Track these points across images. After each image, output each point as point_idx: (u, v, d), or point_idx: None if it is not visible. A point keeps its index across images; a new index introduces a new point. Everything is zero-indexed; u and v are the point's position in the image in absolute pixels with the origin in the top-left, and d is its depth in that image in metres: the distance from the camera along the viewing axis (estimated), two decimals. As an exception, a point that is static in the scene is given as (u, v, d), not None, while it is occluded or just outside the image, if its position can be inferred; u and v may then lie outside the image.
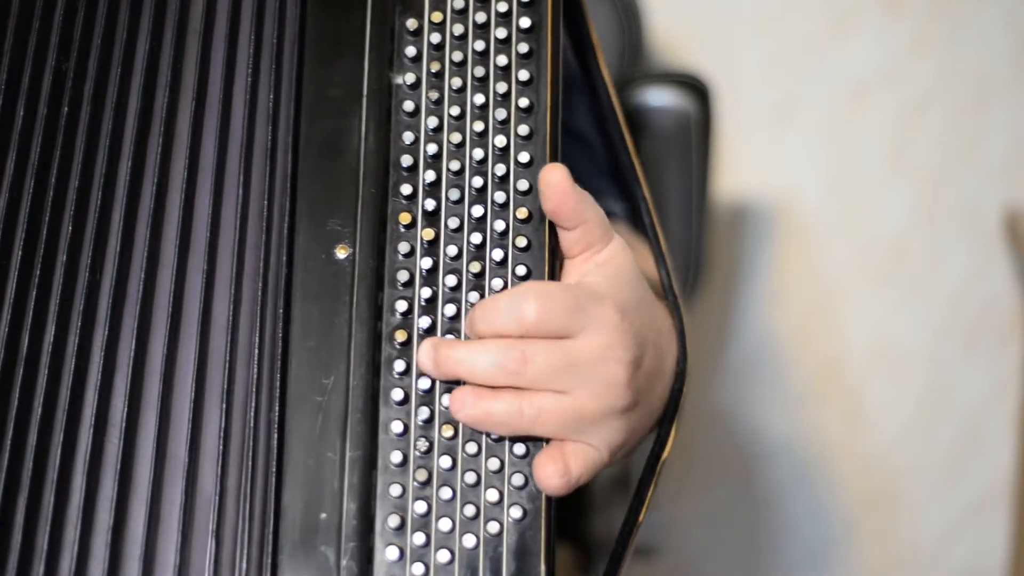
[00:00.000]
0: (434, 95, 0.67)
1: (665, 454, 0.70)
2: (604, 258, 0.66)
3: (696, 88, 1.17)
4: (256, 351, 0.65)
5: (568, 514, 1.17)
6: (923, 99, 1.54)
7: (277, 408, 0.63)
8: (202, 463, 0.64)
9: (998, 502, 1.62)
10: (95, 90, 0.69)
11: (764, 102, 1.54)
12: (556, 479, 0.62)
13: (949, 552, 1.64)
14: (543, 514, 0.63)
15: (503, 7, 0.68)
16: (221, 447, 0.64)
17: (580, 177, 0.74)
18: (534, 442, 0.64)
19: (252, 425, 0.64)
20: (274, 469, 0.63)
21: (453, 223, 0.66)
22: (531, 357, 0.63)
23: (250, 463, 0.64)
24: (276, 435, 0.63)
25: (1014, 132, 1.55)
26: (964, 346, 1.60)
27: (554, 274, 0.66)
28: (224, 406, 0.64)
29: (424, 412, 0.64)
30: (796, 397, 1.61)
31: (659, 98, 1.16)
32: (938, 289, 1.58)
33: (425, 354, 0.63)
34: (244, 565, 0.62)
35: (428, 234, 0.65)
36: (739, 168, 1.54)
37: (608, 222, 0.66)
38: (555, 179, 0.64)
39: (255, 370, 0.65)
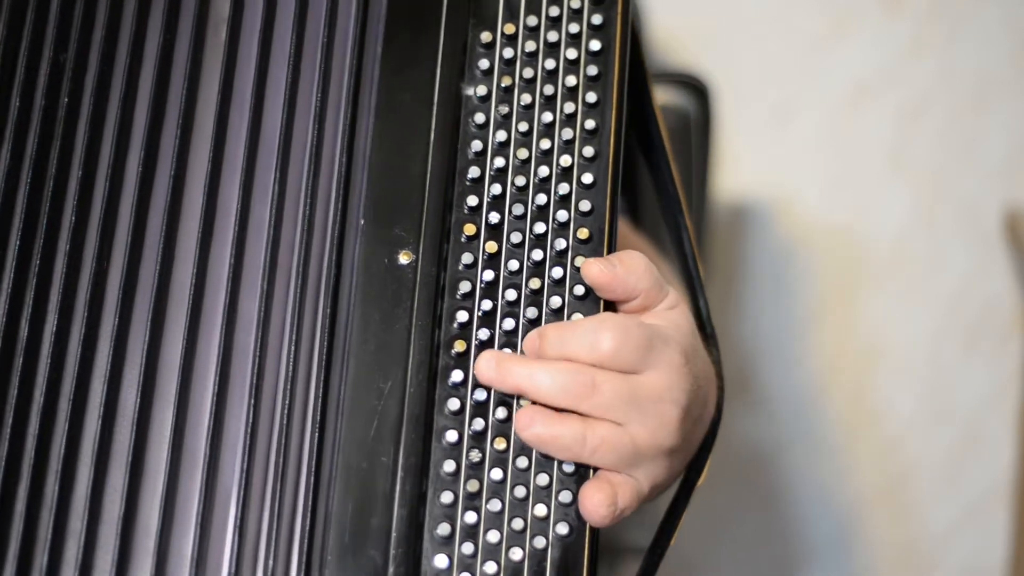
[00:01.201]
0: (504, 109, 0.68)
1: (700, 481, 0.71)
2: (664, 307, 0.67)
3: (696, 88, 1.17)
4: (292, 349, 0.65)
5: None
6: (923, 99, 1.54)
7: (318, 408, 0.64)
8: (223, 457, 0.64)
9: (998, 502, 1.62)
10: (98, 81, 0.69)
11: (764, 102, 1.54)
12: (604, 509, 0.63)
13: (949, 552, 1.64)
14: (588, 531, 0.64)
15: (575, 28, 0.69)
16: (247, 442, 0.64)
17: None
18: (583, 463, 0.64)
19: (285, 423, 0.64)
20: (312, 469, 0.63)
21: (516, 238, 0.66)
22: (599, 385, 0.63)
23: (281, 461, 0.64)
24: (317, 435, 0.63)
25: (1014, 132, 1.55)
26: (964, 346, 1.60)
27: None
28: (252, 402, 0.64)
29: (478, 423, 0.64)
30: (796, 397, 1.61)
31: (659, 98, 1.16)
32: (938, 289, 1.58)
33: (486, 364, 0.64)
34: (271, 562, 0.63)
35: (491, 247, 0.66)
36: (739, 168, 1.54)
37: (660, 277, 0.67)
38: (595, 274, 0.65)
39: (289, 368, 0.65)
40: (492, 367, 0.64)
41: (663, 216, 0.81)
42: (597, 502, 0.63)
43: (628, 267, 0.66)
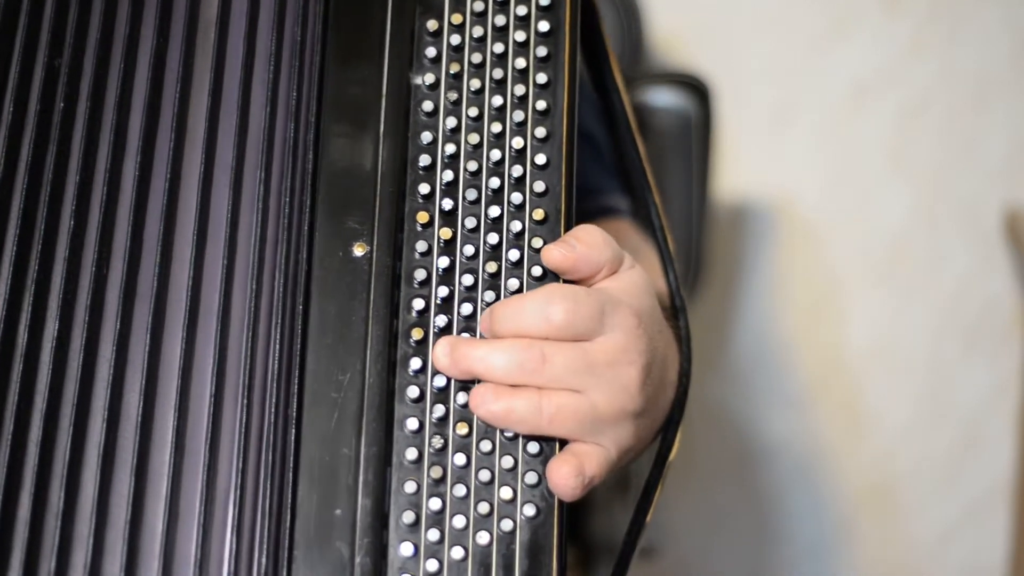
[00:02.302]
0: (453, 96, 0.68)
1: (671, 456, 0.70)
2: (623, 271, 0.68)
3: (696, 88, 1.17)
4: (276, 347, 0.65)
5: (569, 514, 1.17)
6: (923, 99, 1.54)
7: (295, 404, 0.64)
8: (221, 458, 0.64)
9: (998, 502, 1.62)
10: (94, 86, 0.69)
11: (764, 102, 1.54)
12: (572, 480, 0.63)
13: (949, 552, 1.64)
14: (555, 512, 0.64)
15: (522, 11, 0.69)
16: (241, 442, 0.64)
17: (587, 175, 0.75)
18: (547, 442, 0.64)
19: (272, 421, 0.64)
20: (291, 465, 0.63)
21: (470, 223, 0.66)
22: (550, 357, 0.63)
23: (269, 459, 0.64)
24: (293, 431, 0.63)
25: (1014, 132, 1.55)
26: (964, 346, 1.60)
27: None
28: (244, 402, 0.65)
29: (439, 410, 0.64)
30: (796, 397, 1.61)
31: (659, 98, 1.16)
32: (938, 289, 1.58)
33: (441, 351, 0.64)
34: (263, 560, 0.63)
35: (445, 233, 0.66)
36: (739, 168, 1.54)
37: (619, 247, 0.67)
38: (556, 259, 0.65)
39: (274, 366, 0.65)
40: (446, 354, 0.64)
41: (631, 191, 0.81)
42: (564, 474, 0.63)
43: (588, 244, 0.66)
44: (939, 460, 1.62)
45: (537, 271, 0.66)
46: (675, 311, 0.73)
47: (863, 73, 1.54)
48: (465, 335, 0.65)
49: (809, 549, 1.65)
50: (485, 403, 0.63)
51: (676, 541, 1.60)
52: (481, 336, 0.65)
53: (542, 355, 0.63)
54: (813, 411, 1.61)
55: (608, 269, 0.67)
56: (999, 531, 1.63)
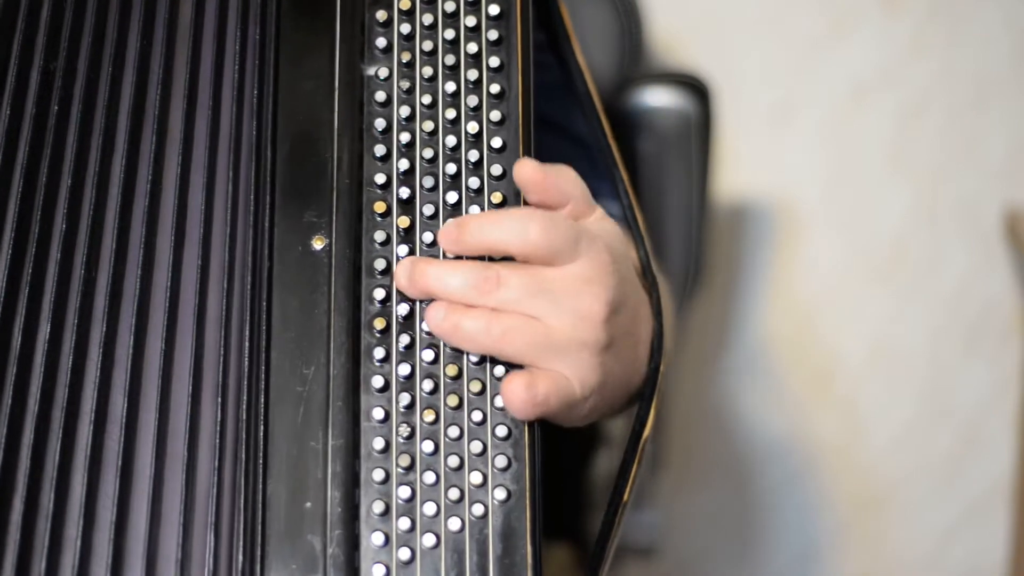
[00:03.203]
0: (405, 84, 0.68)
1: (646, 432, 0.70)
2: (594, 219, 0.68)
3: (696, 88, 1.17)
4: (247, 344, 0.65)
5: (567, 514, 1.17)
6: (923, 99, 1.54)
7: (263, 400, 0.64)
8: (200, 458, 0.65)
9: (998, 503, 1.62)
10: (86, 89, 0.69)
11: (764, 102, 1.54)
12: (522, 391, 0.63)
13: (949, 553, 1.64)
14: (528, 494, 0.64)
15: None
16: (217, 441, 0.64)
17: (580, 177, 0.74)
18: (516, 424, 0.64)
19: (245, 418, 0.64)
20: (261, 461, 0.63)
21: (428, 210, 0.66)
22: (506, 279, 0.64)
23: (243, 456, 0.64)
24: (262, 427, 0.64)
25: (1014, 132, 1.55)
26: (964, 346, 1.60)
27: None
28: (219, 400, 0.65)
29: (405, 398, 0.64)
30: (796, 397, 1.61)
31: (659, 98, 1.16)
32: (938, 289, 1.58)
33: (402, 271, 0.65)
34: (240, 557, 0.63)
35: (403, 222, 0.66)
36: (739, 168, 1.54)
37: (590, 194, 0.68)
38: (528, 172, 0.65)
39: (246, 363, 0.65)
40: (406, 274, 0.65)
41: (599, 168, 0.82)
42: (514, 388, 0.63)
43: (559, 172, 0.66)
44: (939, 460, 1.62)
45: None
46: (646, 287, 0.73)
47: (863, 73, 1.54)
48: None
49: (809, 549, 1.65)
50: (435, 319, 0.64)
51: (675, 542, 1.60)
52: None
53: (497, 277, 0.64)
54: (813, 411, 1.61)
55: (575, 206, 0.67)
56: (999, 531, 1.63)
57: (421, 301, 0.65)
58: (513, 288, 0.64)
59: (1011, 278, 1.58)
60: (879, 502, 1.63)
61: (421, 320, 0.65)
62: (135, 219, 0.68)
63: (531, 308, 0.64)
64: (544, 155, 0.68)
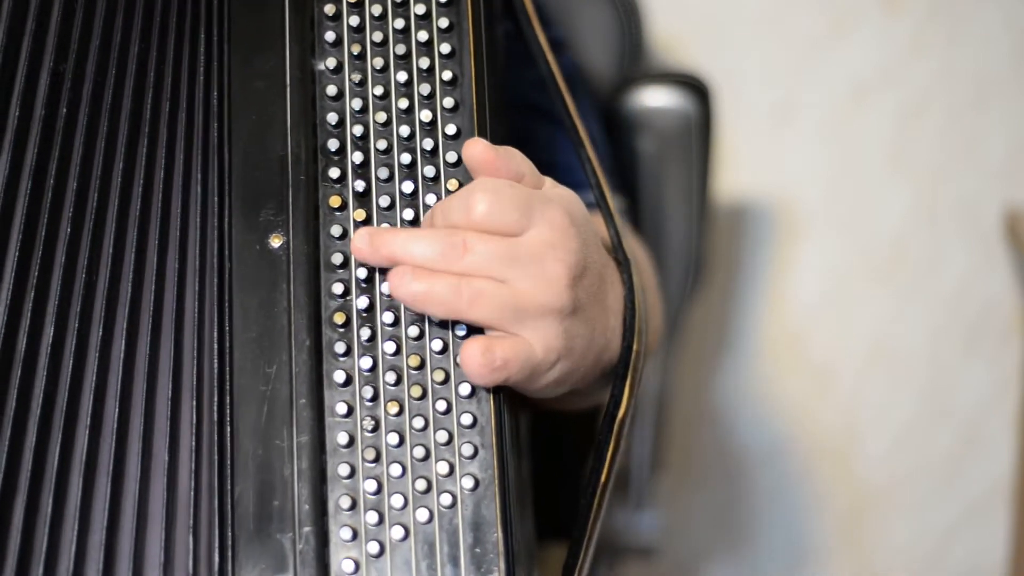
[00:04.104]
0: (357, 77, 0.68)
1: (621, 413, 0.69)
2: (547, 187, 0.68)
3: (696, 88, 1.17)
4: (216, 346, 0.65)
5: (564, 514, 1.17)
6: (923, 99, 1.54)
7: (228, 401, 0.64)
8: (180, 460, 0.65)
9: (998, 502, 1.62)
10: (93, 92, 0.69)
11: (764, 102, 1.54)
12: (478, 355, 0.63)
13: (949, 552, 1.64)
14: (496, 482, 0.63)
15: None
16: (194, 443, 0.64)
17: (576, 172, 0.74)
18: (480, 410, 0.64)
19: (215, 420, 0.64)
20: (229, 462, 0.63)
21: (384, 201, 0.66)
22: (471, 245, 0.63)
23: (217, 458, 0.64)
24: (228, 428, 0.64)
25: (1014, 132, 1.55)
26: (964, 346, 1.60)
27: None
28: (194, 403, 0.65)
29: (368, 391, 0.64)
30: (795, 397, 1.61)
31: (659, 98, 1.16)
32: (938, 289, 1.58)
33: (360, 240, 0.64)
34: (216, 558, 0.63)
35: (359, 215, 0.66)
36: (739, 168, 1.54)
37: (536, 169, 0.67)
38: (477, 151, 0.65)
39: (215, 364, 0.65)
40: (366, 242, 0.64)
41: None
42: (471, 351, 0.63)
43: (508, 151, 0.66)
44: (939, 460, 1.62)
45: None
46: (618, 265, 0.72)
47: (863, 73, 1.54)
48: (389, 313, 0.65)
49: (809, 549, 1.65)
50: (404, 283, 0.63)
51: (674, 542, 1.60)
52: (407, 313, 0.65)
53: (463, 243, 0.63)
54: (813, 411, 1.61)
55: (528, 182, 0.66)
56: (999, 531, 1.63)
57: (382, 294, 0.65)
58: (479, 253, 0.63)
59: (1011, 278, 1.58)
60: (879, 502, 1.63)
61: (382, 312, 0.65)
62: (130, 223, 0.68)
63: (497, 272, 0.64)
64: (533, 141, 0.68)
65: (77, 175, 0.68)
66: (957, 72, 1.54)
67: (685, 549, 1.63)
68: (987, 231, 1.57)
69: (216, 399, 0.65)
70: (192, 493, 0.64)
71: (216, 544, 0.63)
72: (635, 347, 0.70)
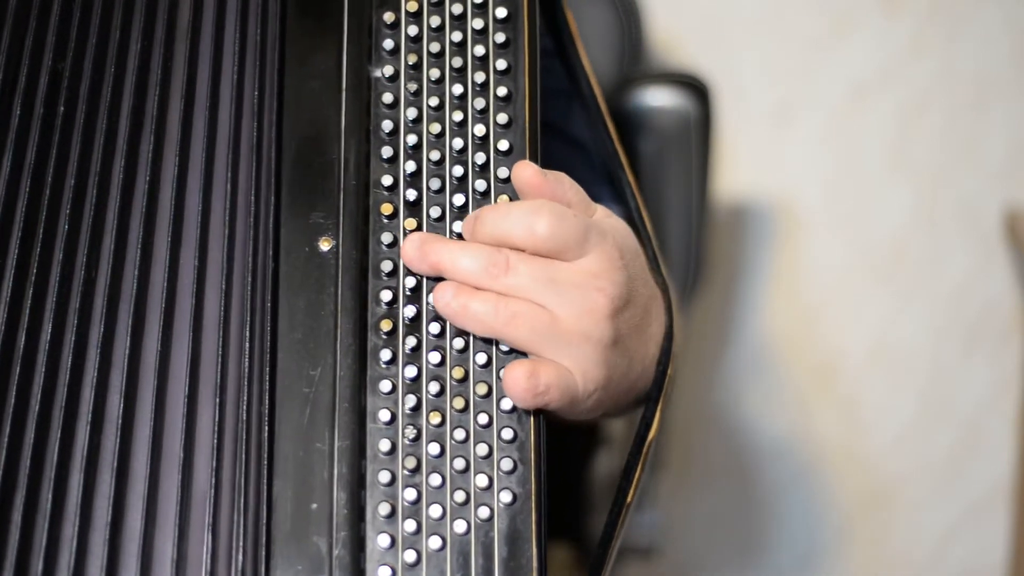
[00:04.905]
0: (412, 86, 0.68)
1: (651, 435, 0.70)
2: (600, 216, 0.68)
3: (696, 88, 1.17)
4: (248, 345, 0.65)
5: (567, 514, 1.17)
6: (923, 99, 1.54)
7: (267, 401, 0.64)
8: (197, 458, 0.65)
9: (998, 502, 1.62)
10: (90, 89, 0.69)
11: (764, 102, 1.54)
12: (524, 379, 0.63)
13: (949, 553, 1.64)
14: (533, 497, 0.63)
15: None
16: (215, 441, 0.64)
17: (576, 181, 0.74)
18: (521, 424, 0.64)
19: (245, 419, 0.64)
20: (265, 462, 0.63)
21: (435, 212, 0.67)
22: (515, 265, 0.64)
23: (244, 457, 0.64)
24: (266, 428, 0.63)
25: (1014, 132, 1.55)
26: (964, 346, 1.60)
27: None
28: (217, 401, 0.65)
29: (411, 400, 0.64)
30: (796, 397, 1.61)
31: (659, 98, 1.16)
32: (938, 289, 1.58)
33: (411, 244, 0.65)
34: (240, 558, 0.63)
35: (410, 224, 0.66)
36: (739, 168, 1.54)
37: (587, 196, 0.68)
38: (527, 175, 0.66)
39: (246, 364, 0.65)
40: (416, 247, 0.65)
41: (606, 172, 0.81)
42: (516, 375, 0.63)
43: (558, 176, 0.66)
44: (939, 460, 1.62)
45: None
46: (661, 287, 0.73)
47: (863, 73, 1.54)
48: (435, 323, 0.65)
49: (809, 549, 1.65)
50: (444, 298, 0.64)
51: (675, 542, 1.60)
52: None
53: (508, 262, 0.64)
54: (813, 411, 1.61)
55: (577, 208, 0.67)
56: (999, 531, 1.63)
57: (429, 305, 0.65)
58: (521, 275, 0.64)
59: (1011, 278, 1.58)
60: (879, 502, 1.63)
61: (428, 322, 0.65)
62: (133, 220, 0.68)
63: (538, 296, 0.64)
64: (543, 157, 0.68)
65: (75, 172, 0.68)
66: (957, 72, 1.54)
67: (685, 549, 1.63)
68: (987, 231, 1.57)
69: (246, 397, 0.64)
70: (212, 491, 0.64)
71: (242, 543, 0.63)
72: (669, 371, 0.71)
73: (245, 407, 0.64)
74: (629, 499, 0.69)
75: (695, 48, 1.49)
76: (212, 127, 0.69)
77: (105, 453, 0.64)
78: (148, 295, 0.67)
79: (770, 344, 1.60)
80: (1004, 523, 1.63)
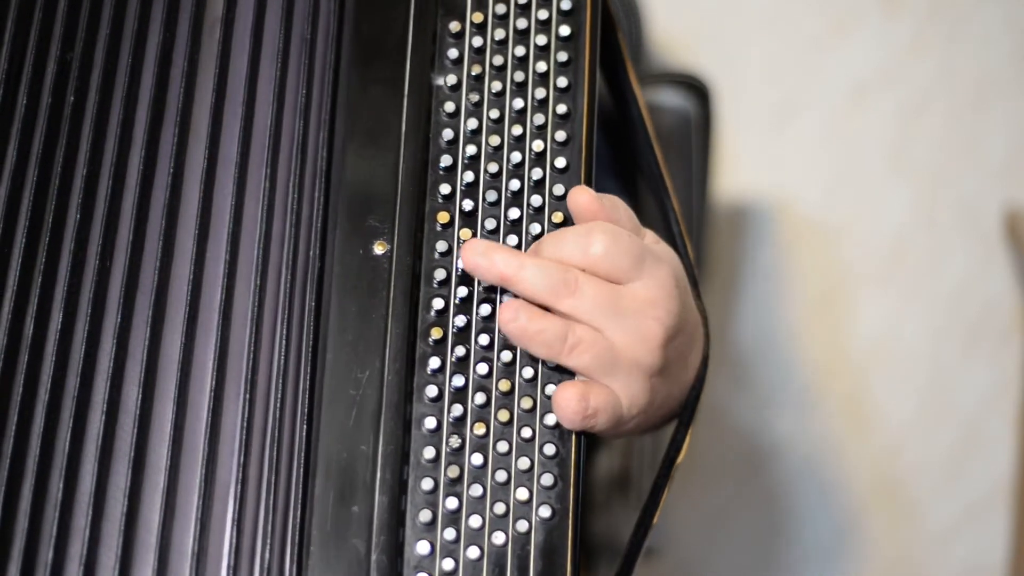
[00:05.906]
0: (474, 97, 0.68)
1: (680, 458, 0.71)
2: (651, 241, 0.68)
3: (696, 88, 1.17)
4: (283, 343, 0.65)
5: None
6: (923, 99, 1.54)
7: (306, 400, 0.64)
8: (221, 453, 0.64)
9: (998, 502, 1.62)
10: (103, 80, 0.69)
11: (764, 102, 1.54)
12: (575, 403, 0.63)
13: (949, 552, 1.64)
14: (571, 514, 0.64)
15: (543, 15, 0.69)
16: (243, 437, 0.64)
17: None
18: (563, 443, 0.64)
19: (277, 416, 0.64)
20: (301, 461, 0.63)
21: (490, 224, 0.67)
22: (581, 286, 0.64)
23: (274, 455, 0.64)
24: (304, 427, 0.64)
25: (1014, 132, 1.55)
26: (964, 346, 1.60)
27: None
28: (247, 396, 0.65)
29: (457, 409, 0.64)
30: (797, 396, 1.61)
31: (659, 98, 1.16)
32: (938, 289, 1.58)
33: (474, 250, 0.64)
34: (267, 555, 0.63)
35: (465, 234, 0.66)
36: (739, 168, 1.54)
37: (639, 222, 0.68)
38: (583, 200, 0.65)
39: (280, 361, 0.65)
40: (480, 252, 0.64)
41: (651, 197, 0.82)
42: (568, 396, 0.63)
43: (613, 202, 0.66)
44: (939, 460, 1.62)
45: None
46: (703, 314, 0.73)
47: (863, 73, 1.54)
48: (484, 335, 0.65)
49: (810, 550, 1.65)
50: (518, 319, 0.63)
51: (678, 542, 1.60)
52: (500, 338, 0.65)
53: (575, 282, 0.63)
54: (815, 411, 1.61)
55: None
56: (999, 531, 1.63)
57: (479, 315, 0.65)
58: (587, 298, 0.64)
59: (1011, 278, 1.58)
60: (879, 502, 1.63)
61: (477, 333, 0.65)
62: (153, 211, 0.68)
63: (597, 321, 0.64)
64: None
65: (87, 163, 0.68)
66: (957, 72, 1.54)
67: (686, 549, 1.63)
68: (987, 231, 1.57)
69: (281, 396, 0.65)
70: (238, 487, 0.64)
71: (269, 540, 0.63)
72: (701, 396, 0.72)
73: (278, 404, 0.64)
74: (655, 520, 0.69)
75: (695, 48, 1.49)
76: (248, 122, 0.69)
77: (121, 444, 0.64)
78: (170, 287, 0.67)
79: (771, 344, 1.60)
80: (1004, 523, 1.62)
